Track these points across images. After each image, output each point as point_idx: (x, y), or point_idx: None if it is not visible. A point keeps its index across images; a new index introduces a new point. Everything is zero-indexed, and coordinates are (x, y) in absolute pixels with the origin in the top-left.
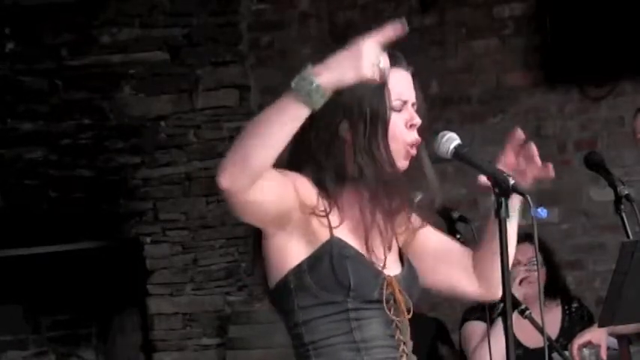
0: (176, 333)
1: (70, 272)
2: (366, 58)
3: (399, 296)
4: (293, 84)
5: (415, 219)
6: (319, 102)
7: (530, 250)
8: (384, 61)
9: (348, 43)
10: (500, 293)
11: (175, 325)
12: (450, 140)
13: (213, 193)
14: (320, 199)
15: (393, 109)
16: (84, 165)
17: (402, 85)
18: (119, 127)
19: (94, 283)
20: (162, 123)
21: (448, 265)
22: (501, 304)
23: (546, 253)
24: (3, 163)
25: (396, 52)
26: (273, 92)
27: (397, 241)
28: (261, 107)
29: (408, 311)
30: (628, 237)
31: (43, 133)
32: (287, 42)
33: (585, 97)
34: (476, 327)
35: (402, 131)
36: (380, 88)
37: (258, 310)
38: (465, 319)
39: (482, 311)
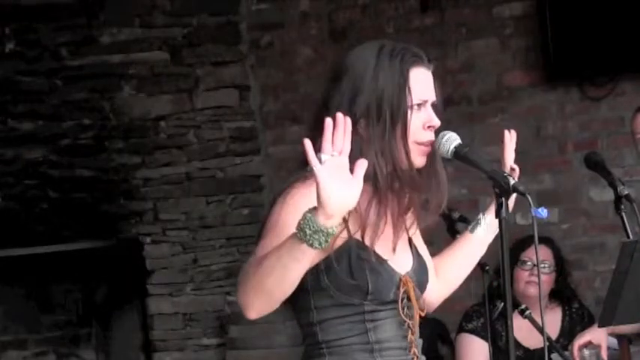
0: (176, 333)
1: (70, 272)
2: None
3: (413, 295)
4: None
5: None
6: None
7: (543, 253)
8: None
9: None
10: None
11: (175, 325)
12: (451, 140)
13: (213, 193)
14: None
15: (412, 109)
16: (84, 165)
17: (423, 85)
18: (119, 127)
19: (94, 283)
20: (162, 123)
21: None
22: (501, 304)
23: (559, 261)
24: (3, 163)
25: (419, 50)
26: (273, 92)
27: (407, 232)
28: (261, 107)
29: (421, 309)
30: (628, 237)
31: (43, 133)
32: (287, 42)
33: (585, 97)
34: (472, 344)
35: (418, 132)
36: (402, 87)
37: None
38: (461, 327)
39: (480, 317)
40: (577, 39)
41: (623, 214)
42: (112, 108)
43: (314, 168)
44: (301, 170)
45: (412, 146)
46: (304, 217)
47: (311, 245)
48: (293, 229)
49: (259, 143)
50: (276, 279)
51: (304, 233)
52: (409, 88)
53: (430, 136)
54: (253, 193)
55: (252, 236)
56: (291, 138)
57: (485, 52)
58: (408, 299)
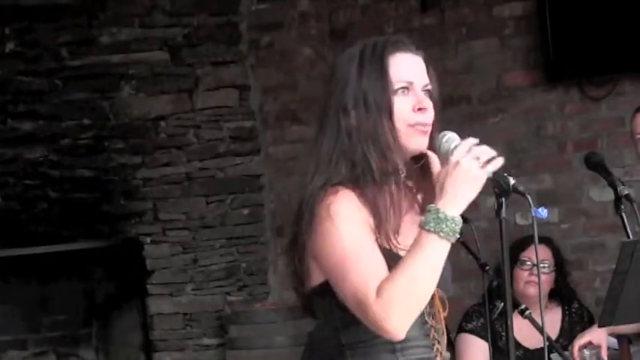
0: (176, 333)
1: (70, 272)
2: (474, 171)
3: (436, 293)
4: (430, 228)
5: None
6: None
7: (542, 253)
8: (482, 153)
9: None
10: None
11: (175, 325)
12: (451, 140)
13: (213, 193)
14: (365, 208)
15: (395, 93)
16: (84, 165)
17: (405, 68)
18: (119, 127)
19: (94, 282)
20: (163, 123)
21: None
22: (501, 304)
23: (558, 261)
24: (3, 163)
25: (403, 37)
26: (273, 92)
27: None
28: (261, 107)
29: (444, 307)
30: (628, 237)
31: (43, 133)
32: (287, 42)
33: (585, 97)
34: (472, 344)
35: (407, 114)
36: (382, 73)
37: (258, 310)
38: (461, 327)
39: (480, 317)
40: (577, 39)
41: (623, 214)
42: (112, 108)
43: (483, 168)
44: (310, 175)
45: (405, 129)
46: (444, 219)
47: (452, 237)
48: (365, 237)
49: (259, 143)
50: (432, 282)
51: (446, 230)
52: (389, 73)
53: (422, 117)
54: (253, 193)
55: (252, 236)
56: (291, 138)
57: (486, 52)
58: (431, 297)
